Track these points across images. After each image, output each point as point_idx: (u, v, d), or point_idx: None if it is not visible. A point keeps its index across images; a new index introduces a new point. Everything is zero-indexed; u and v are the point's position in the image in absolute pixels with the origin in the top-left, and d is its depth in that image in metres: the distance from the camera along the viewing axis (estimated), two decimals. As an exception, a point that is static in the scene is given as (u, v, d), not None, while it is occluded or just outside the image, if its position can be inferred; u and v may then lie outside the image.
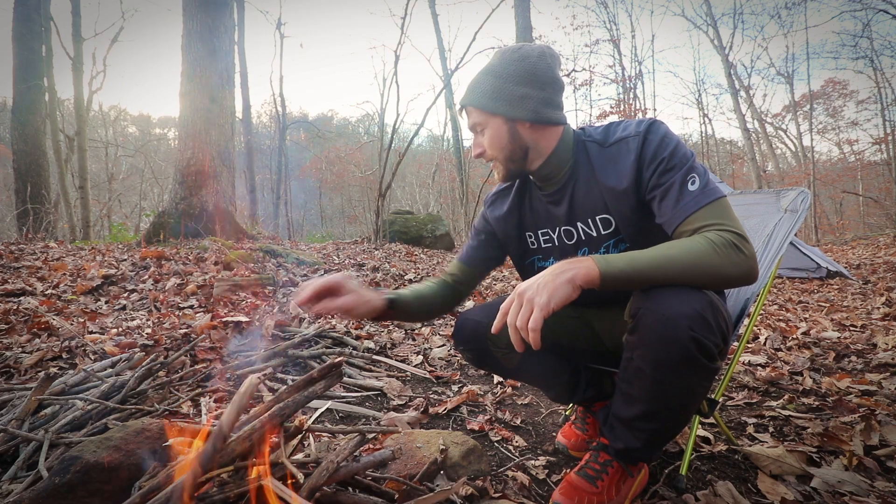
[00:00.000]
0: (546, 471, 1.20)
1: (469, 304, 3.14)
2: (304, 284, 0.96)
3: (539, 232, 1.15)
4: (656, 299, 0.80)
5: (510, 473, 1.15)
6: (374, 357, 2.05)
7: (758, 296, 1.27)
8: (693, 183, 0.88)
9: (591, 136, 1.04)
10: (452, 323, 2.77)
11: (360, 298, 0.98)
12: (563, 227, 1.09)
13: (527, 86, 0.98)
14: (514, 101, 0.98)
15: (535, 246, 1.17)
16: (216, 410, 1.40)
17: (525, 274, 1.22)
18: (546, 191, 1.10)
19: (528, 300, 0.76)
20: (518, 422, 1.52)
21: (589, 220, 1.05)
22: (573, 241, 1.09)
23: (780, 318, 3.25)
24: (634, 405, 0.91)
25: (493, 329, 0.82)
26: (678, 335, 0.77)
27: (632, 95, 15.32)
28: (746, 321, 1.28)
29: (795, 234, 1.26)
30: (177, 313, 2.67)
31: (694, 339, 0.77)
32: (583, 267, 0.78)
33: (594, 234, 1.05)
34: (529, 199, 1.16)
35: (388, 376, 1.91)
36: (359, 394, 1.69)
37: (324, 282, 0.95)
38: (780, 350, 2.43)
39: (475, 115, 1.03)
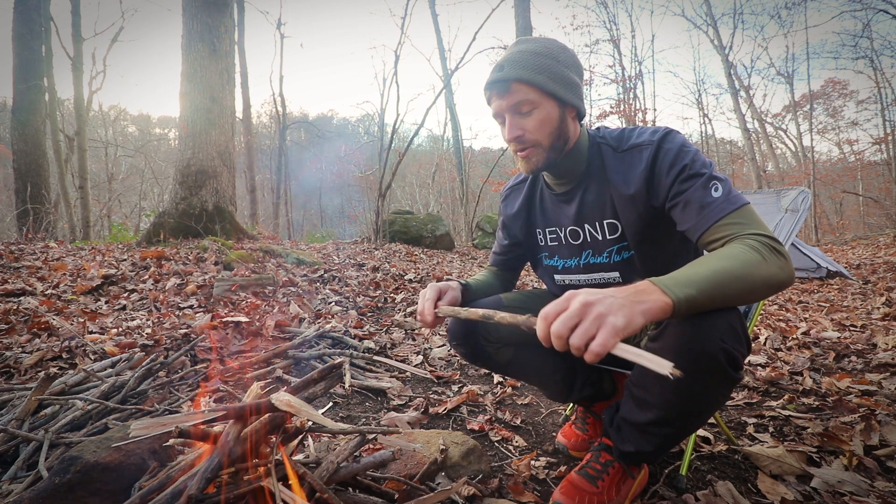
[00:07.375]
0: (546, 471, 1.20)
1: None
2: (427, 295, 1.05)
3: (547, 230, 1.15)
4: None
5: (510, 472, 1.15)
6: (374, 357, 2.05)
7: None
8: (716, 190, 0.85)
9: (605, 139, 1.02)
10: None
11: (456, 293, 1.10)
12: (570, 227, 1.09)
13: (576, 74, 0.98)
14: (568, 85, 0.96)
15: (543, 243, 1.17)
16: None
17: (537, 268, 1.23)
18: (558, 190, 1.09)
19: (597, 316, 0.62)
20: (518, 422, 1.51)
21: (596, 224, 1.04)
22: (579, 242, 1.09)
23: (780, 318, 3.25)
24: (649, 411, 0.89)
25: (541, 338, 0.68)
26: (709, 346, 0.75)
27: (632, 95, 15.30)
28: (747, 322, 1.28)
29: (796, 235, 1.26)
30: (177, 313, 2.67)
31: (724, 351, 0.75)
32: (656, 299, 0.67)
33: (599, 237, 1.05)
34: (540, 197, 1.16)
35: (390, 377, 1.90)
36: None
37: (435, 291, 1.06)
38: (780, 350, 2.43)
39: (525, 93, 0.93)
